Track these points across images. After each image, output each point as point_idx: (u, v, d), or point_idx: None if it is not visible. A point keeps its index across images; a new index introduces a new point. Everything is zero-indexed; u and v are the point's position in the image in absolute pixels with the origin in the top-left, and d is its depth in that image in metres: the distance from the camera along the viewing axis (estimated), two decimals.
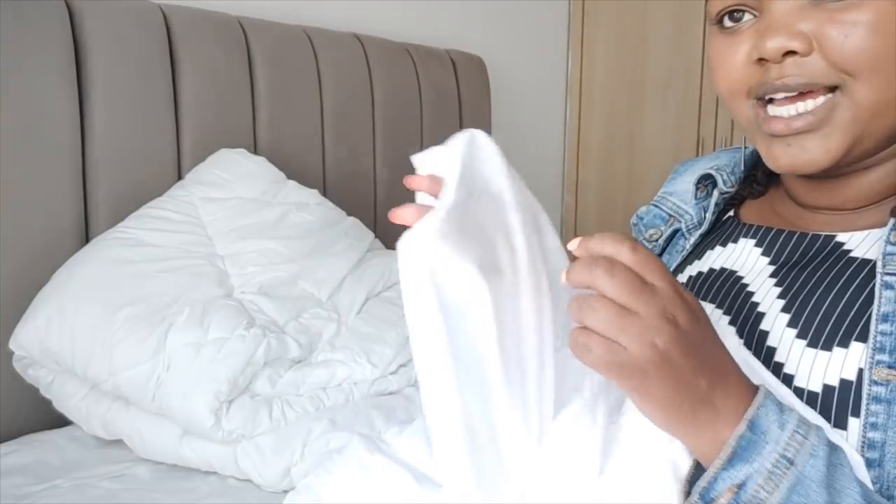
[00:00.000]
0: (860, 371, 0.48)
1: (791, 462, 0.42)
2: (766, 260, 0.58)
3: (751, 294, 0.57)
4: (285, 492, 1.01)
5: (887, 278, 0.49)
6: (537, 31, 2.58)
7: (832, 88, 0.51)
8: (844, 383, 0.49)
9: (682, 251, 0.69)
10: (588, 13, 2.67)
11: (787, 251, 0.58)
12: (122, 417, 1.06)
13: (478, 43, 2.20)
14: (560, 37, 2.69)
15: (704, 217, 0.69)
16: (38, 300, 1.08)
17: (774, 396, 0.45)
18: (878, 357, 0.47)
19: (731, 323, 0.56)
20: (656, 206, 0.74)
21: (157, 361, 1.01)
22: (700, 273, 0.64)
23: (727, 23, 0.55)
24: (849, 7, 0.49)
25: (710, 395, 0.43)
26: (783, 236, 0.58)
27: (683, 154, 2.63)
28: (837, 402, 0.49)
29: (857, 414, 0.48)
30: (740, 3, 0.53)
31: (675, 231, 0.71)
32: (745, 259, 0.60)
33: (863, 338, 0.49)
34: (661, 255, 0.72)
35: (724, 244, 0.64)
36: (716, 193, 0.67)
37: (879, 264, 0.49)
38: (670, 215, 0.72)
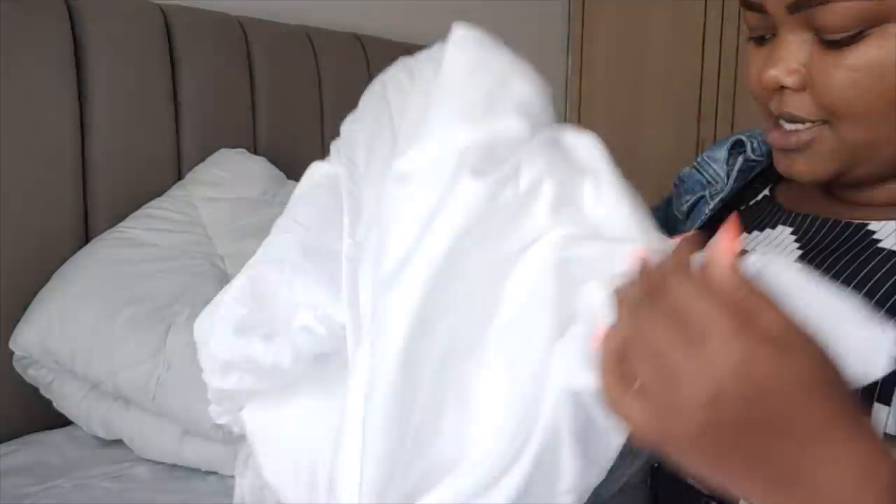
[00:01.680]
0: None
1: None
2: (797, 244, 0.58)
3: None
4: None
5: None
6: (537, 31, 2.58)
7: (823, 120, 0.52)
8: None
9: (701, 216, 0.69)
10: (588, 13, 2.67)
11: (817, 237, 0.57)
12: (122, 417, 1.06)
13: None
14: (560, 37, 2.69)
15: (728, 182, 0.68)
16: (38, 300, 1.08)
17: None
18: None
19: None
20: (698, 169, 0.73)
21: (158, 361, 1.01)
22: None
23: (753, 34, 0.57)
24: (844, 50, 0.49)
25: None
26: (817, 223, 0.57)
27: (683, 154, 2.63)
28: (880, 391, 0.47)
29: (886, 401, 0.46)
30: (758, 28, 0.55)
31: (700, 198, 0.71)
32: (779, 247, 0.59)
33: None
34: (686, 220, 0.72)
35: (761, 228, 0.62)
36: (741, 160, 0.66)
37: None
38: (708, 181, 0.71)
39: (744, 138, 0.67)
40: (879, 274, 0.50)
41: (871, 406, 0.47)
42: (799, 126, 0.53)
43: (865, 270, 0.51)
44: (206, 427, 0.98)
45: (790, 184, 0.64)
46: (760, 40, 0.56)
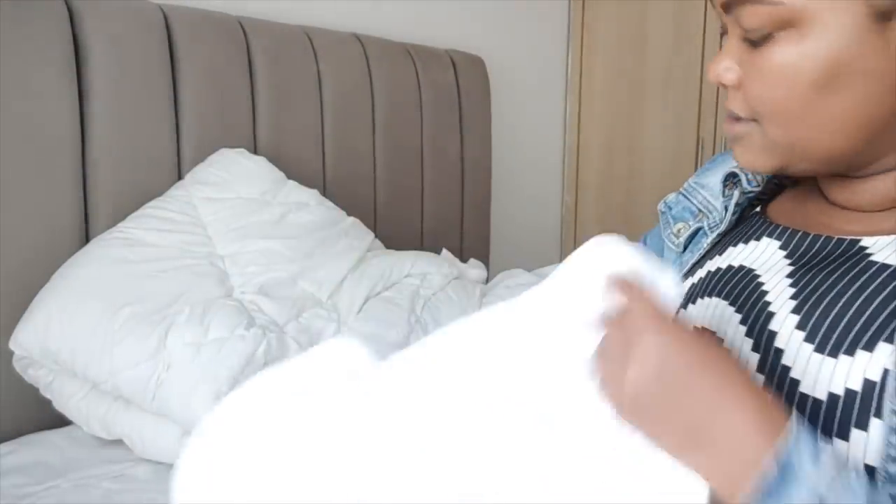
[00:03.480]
0: (865, 381, 0.47)
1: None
2: (787, 261, 0.58)
3: (765, 293, 0.56)
4: None
5: None
6: (537, 31, 2.58)
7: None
8: (849, 392, 0.47)
9: (701, 249, 0.69)
10: (588, 13, 2.67)
11: (809, 252, 0.57)
12: (122, 417, 1.06)
13: (478, 43, 2.20)
14: (560, 37, 2.69)
15: (725, 216, 0.69)
16: (38, 300, 1.08)
17: (797, 422, 0.42)
18: None
19: (742, 322, 0.56)
20: (686, 196, 0.74)
21: (158, 361, 1.01)
22: (719, 269, 0.64)
23: (721, 30, 0.59)
24: (762, 52, 0.52)
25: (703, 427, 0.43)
26: (809, 238, 0.58)
27: (683, 154, 2.63)
28: (842, 411, 0.47)
29: (863, 426, 0.46)
30: (722, 25, 0.58)
31: (698, 229, 0.72)
32: (767, 258, 0.60)
33: (870, 347, 0.48)
34: (683, 251, 0.73)
35: (746, 241, 0.63)
36: (737, 193, 0.67)
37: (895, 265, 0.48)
38: (699, 210, 0.72)
39: (737, 171, 0.68)
40: (874, 286, 0.50)
41: (848, 433, 0.47)
42: (739, 123, 0.57)
43: (858, 284, 0.51)
44: None
45: (782, 200, 0.65)
46: (723, 37, 0.58)
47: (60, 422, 1.14)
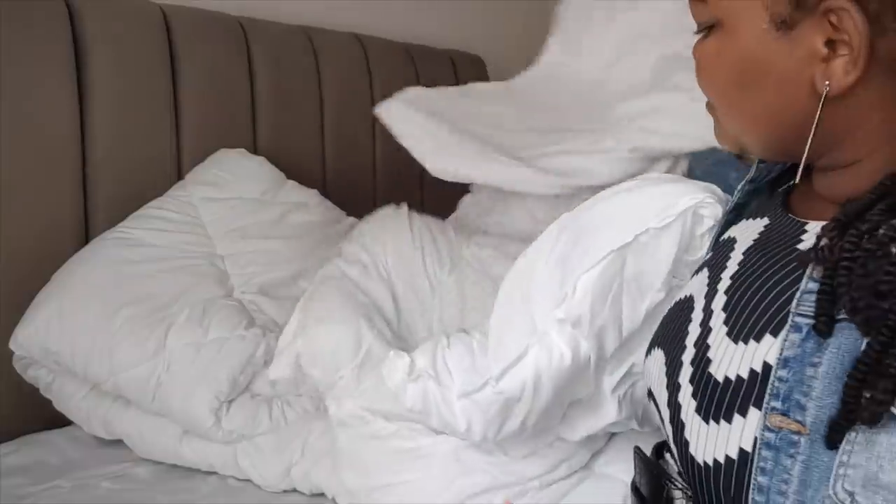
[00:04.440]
0: (750, 371, 0.49)
1: None
2: (755, 237, 0.59)
3: (725, 268, 0.59)
4: (285, 492, 1.01)
5: (798, 319, 0.46)
6: (537, 31, 2.57)
7: None
8: (741, 378, 0.49)
9: (734, 200, 0.72)
10: None
11: (772, 233, 0.58)
12: (122, 417, 1.06)
13: (478, 43, 2.20)
14: None
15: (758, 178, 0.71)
16: (38, 300, 1.08)
17: None
18: (772, 403, 0.46)
19: (705, 296, 0.59)
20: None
21: (158, 361, 1.01)
22: (723, 239, 0.66)
23: None
24: (699, 45, 0.57)
25: None
26: (783, 220, 0.59)
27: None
28: (730, 395, 0.50)
29: (759, 405, 0.47)
30: None
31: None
32: (747, 236, 0.61)
33: (758, 338, 0.49)
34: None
35: (754, 218, 0.65)
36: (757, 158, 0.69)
37: (794, 303, 0.47)
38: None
39: None
40: (781, 273, 0.51)
41: (732, 416, 0.49)
42: (707, 105, 0.61)
43: (775, 268, 0.52)
44: (206, 427, 0.98)
45: (800, 185, 0.66)
46: None
47: (60, 422, 1.14)
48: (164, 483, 1.01)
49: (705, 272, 0.63)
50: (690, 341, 0.57)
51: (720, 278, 0.58)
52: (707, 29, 0.56)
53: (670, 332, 0.62)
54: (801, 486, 0.44)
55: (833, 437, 0.43)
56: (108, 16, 1.23)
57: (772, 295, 0.50)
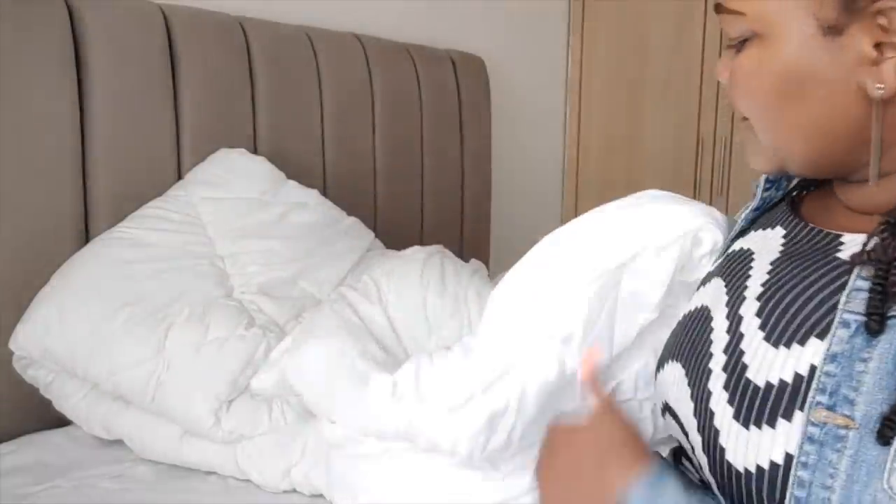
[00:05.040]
0: (795, 375, 0.49)
1: None
2: (780, 249, 0.59)
3: (748, 277, 0.59)
4: (285, 492, 1.01)
5: (846, 316, 0.47)
6: (537, 31, 2.58)
7: None
8: (784, 382, 0.49)
9: (736, 227, 0.72)
10: (588, 13, 2.67)
11: (800, 243, 0.58)
12: (121, 417, 1.06)
13: (478, 43, 2.20)
14: (560, 37, 2.69)
15: (758, 193, 0.70)
16: (38, 300, 1.08)
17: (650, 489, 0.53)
18: (817, 398, 0.47)
19: (727, 304, 0.59)
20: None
21: (157, 361, 1.01)
22: (734, 250, 0.66)
23: None
24: (737, 58, 0.56)
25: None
26: (806, 230, 0.59)
27: (683, 154, 2.63)
28: (773, 401, 0.49)
29: (788, 417, 0.48)
30: None
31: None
32: (768, 245, 0.61)
33: (803, 342, 0.49)
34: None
35: (765, 228, 0.65)
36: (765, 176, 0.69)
37: (842, 299, 0.48)
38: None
39: None
40: (822, 281, 0.52)
41: (775, 421, 0.49)
42: (742, 122, 0.59)
43: (814, 276, 0.52)
44: (206, 427, 0.98)
45: (814, 195, 0.66)
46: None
47: (60, 422, 1.14)
48: (164, 483, 1.01)
49: (718, 282, 0.62)
50: (717, 349, 0.56)
51: (745, 286, 0.57)
52: (741, 43, 0.55)
53: (686, 343, 0.61)
54: (847, 481, 0.44)
55: (886, 431, 0.43)
56: (108, 16, 1.23)
57: (815, 301, 0.50)
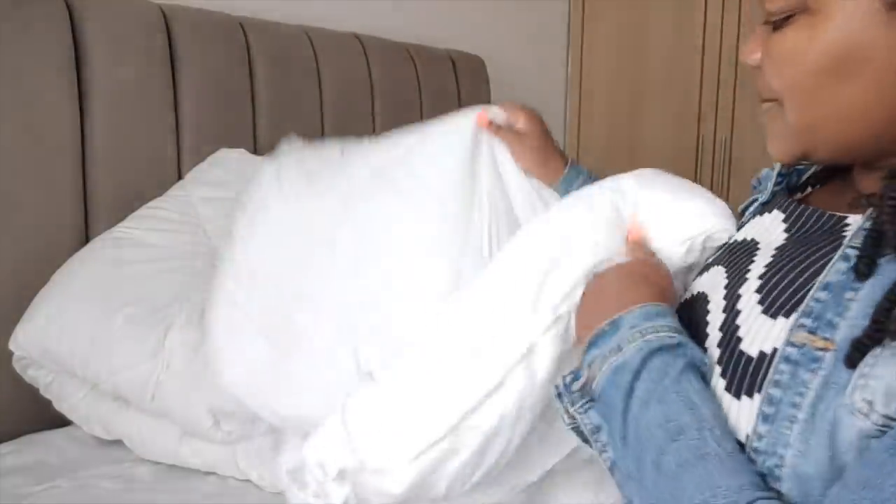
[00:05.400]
0: (772, 348, 0.49)
1: (619, 349, 0.55)
2: (784, 235, 0.59)
3: (752, 261, 0.59)
4: (285, 492, 1.01)
5: (848, 251, 0.49)
6: (537, 31, 2.58)
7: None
8: (776, 349, 0.49)
9: (744, 219, 0.71)
10: (588, 13, 2.67)
11: (805, 227, 0.58)
12: (121, 418, 1.06)
13: (478, 43, 2.20)
14: (560, 37, 2.69)
15: (768, 187, 0.70)
16: (38, 300, 1.08)
17: (657, 310, 0.57)
18: (801, 321, 0.48)
19: (725, 287, 0.59)
20: (772, 170, 0.75)
21: (156, 362, 1.01)
22: (736, 241, 0.66)
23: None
24: (776, 35, 0.54)
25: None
26: (809, 213, 0.59)
27: (683, 154, 2.63)
28: (763, 370, 0.49)
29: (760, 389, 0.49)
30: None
31: (754, 201, 0.74)
32: (770, 231, 0.61)
33: (787, 315, 0.50)
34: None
35: (761, 214, 0.65)
36: (779, 165, 0.69)
37: (847, 236, 0.50)
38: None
39: None
40: (819, 258, 0.52)
41: (753, 391, 0.49)
42: (766, 106, 0.58)
43: (816, 255, 0.52)
44: (205, 428, 0.98)
45: (826, 188, 0.66)
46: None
47: (60, 422, 1.14)
48: (164, 483, 1.01)
49: (719, 270, 0.63)
50: (713, 329, 0.57)
51: (748, 269, 0.58)
52: (784, 19, 0.53)
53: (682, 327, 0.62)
54: (815, 399, 0.45)
55: (855, 354, 0.44)
56: (108, 16, 1.23)
57: (812, 270, 0.51)
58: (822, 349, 0.46)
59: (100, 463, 1.05)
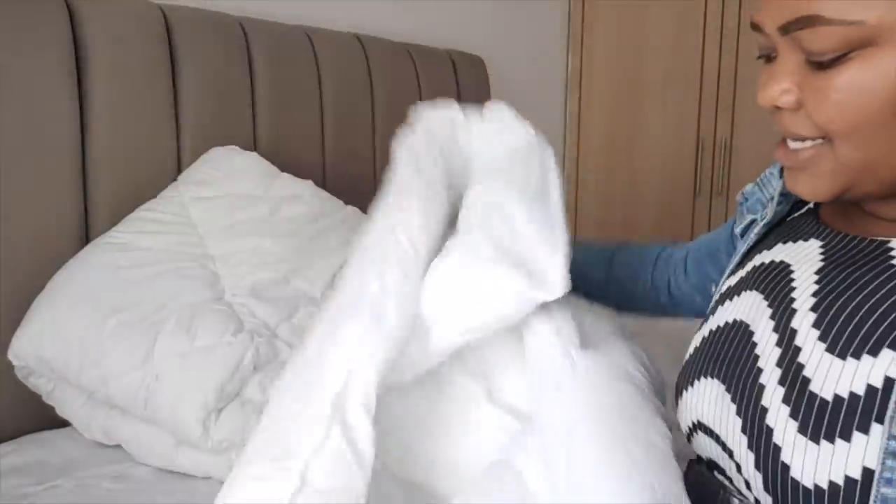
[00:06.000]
0: (868, 387, 0.47)
1: None
2: (821, 258, 0.58)
3: (793, 289, 0.57)
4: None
5: None
6: (537, 31, 2.58)
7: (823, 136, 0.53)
8: (855, 395, 0.48)
9: (749, 241, 0.70)
10: (588, 13, 2.67)
11: (842, 252, 0.57)
12: (119, 424, 1.05)
13: (478, 43, 2.20)
14: (560, 37, 2.69)
15: (771, 205, 0.69)
16: (33, 309, 1.07)
17: None
18: None
19: (772, 317, 0.57)
20: (760, 187, 0.74)
21: (146, 370, 0.99)
22: (763, 263, 0.64)
23: (760, 52, 0.58)
24: (830, 71, 0.50)
25: None
26: (846, 240, 0.58)
27: (683, 154, 2.63)
28: (845, 413, 0.48)
29: (881, 420, 0.46)
30: (764, 47, 0.57)
31: (753, 220, 0.73)
32: (805, 255, 0.60)
33: (874, 352, 0.48)
34: (741, 240, 0.73)
35: (795, 240, 0.63)
36: (782, 182, 0.68)
37: None
38: (770, 198, 0.72)
39: None
40: (886, 289, 0.51)
41: (850, 434, 0.47)
42: (801, 144, 0.55)
43: (874, 285, 0.51)
44: (195, 437, 0.97)
45: (831, 204, 0.65)
46: (768, 59, 0.57)
47: (60, 422, 1.14)
48: (163, 483, 1.01)
49: (753, 296, 0.61)
50: (768, 363, 0.54)
51: (791, 298, 0.56)
52: (834, 59, 0.50)
53: (723, 358, 0.60)
54: None
55: None
56: (108, 16, 1.23)
57: (881, 310, 0.49)
58: None
59: (100, 463, 1.05)
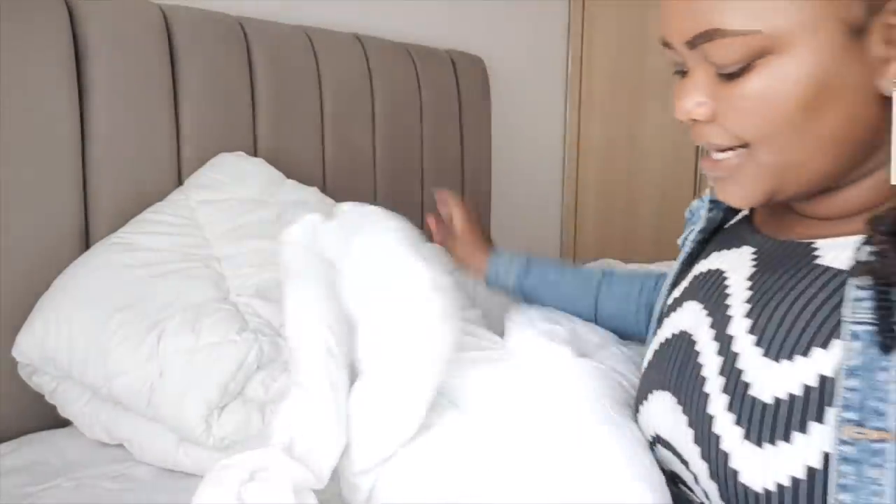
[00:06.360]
0: (804, 387, 0.48)
1: None
2: (752, 264, 0.59)
3: (727, 296, 0.58)
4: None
5: (855, 328, 0.47)
6: (537, 31, 2.58)
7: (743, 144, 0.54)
8: (794, 395, 0.48)
9: (685, 250, 0.72)
10: (588, 13, 2.67)
11: (772, 256, 0.58)
12: (121, 422, 1.05)
13: (478, 43, 2.20)
14: (560, 37, 2.69)
15: (703, 215, 0.70)
16: (38, 307, 1.07)
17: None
18: (844, 415, 0.45)
19: (711, 326, 0.58)
20: (702, 199, 0.75)
21: (150, 368, 1.00)
22: (701, 273, 0.65)
23: (675, 69, 0.60)
24: (738, 81, 0.52)
25: None
26: (775, 244, 0.59)
27: (683, 154, 2.63)
28: (787, 415, 0.48)
29: (820, 419, 0.47)
30: (677, 63, 0.58)
31: (691, 231, 0.74)
32: (740, 264, 0.61)
33: (807, 353, 0.49)
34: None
35: (729, 248, 0.64)
36: (712, 188, 0.69)
37: (846, 312, 0.48)
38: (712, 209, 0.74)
39: None
40: (813, 290, 0.52)
41: (790, 435, 0.48)
42: (724, 154, 0.56)
43: (801, 287, 0.52)
44: (197, 434, 0.97)
45: (763, 209, 0.66)
46: (682, 74, 0.58)
47: (61, 422, 1.14)
48: (164, 483, 1.01)
49: (694, 305, 0.62)
50: (711, 371, 0.55)
51: (726, 305, 0.57)
52: (741, 68, 0.51)
53: (672, 371, 0.60)
54: None
55: None
56: (108, 16, 1.23)
57: (809, 310, 0.50)
58: (878, 441, 0.44)
59: (100, 463, 1.05)
